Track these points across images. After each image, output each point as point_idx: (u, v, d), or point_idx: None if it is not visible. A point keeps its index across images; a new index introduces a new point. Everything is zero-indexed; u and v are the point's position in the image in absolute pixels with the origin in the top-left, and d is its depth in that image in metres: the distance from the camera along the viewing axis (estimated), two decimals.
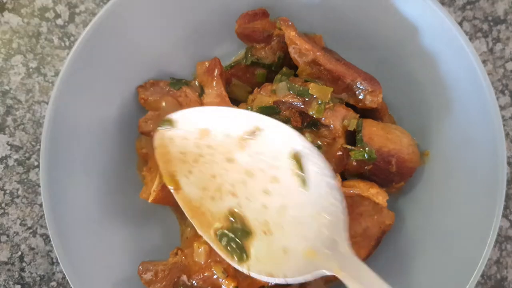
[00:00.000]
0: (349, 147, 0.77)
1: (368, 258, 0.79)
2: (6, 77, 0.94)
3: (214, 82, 0.83)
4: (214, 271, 0.74)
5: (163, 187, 0.78)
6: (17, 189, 0.92)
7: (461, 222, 0.77)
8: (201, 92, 0.84)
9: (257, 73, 0.84)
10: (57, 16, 0.95)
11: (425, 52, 0.80)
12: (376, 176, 0.79)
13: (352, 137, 0.79)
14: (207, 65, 0.84)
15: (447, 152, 0.80)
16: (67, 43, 0.94)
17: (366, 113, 0.81)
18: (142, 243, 0.84)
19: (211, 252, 0.74)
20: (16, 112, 0.93)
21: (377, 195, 0.77)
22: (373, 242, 0.78)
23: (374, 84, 0.77)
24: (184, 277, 0.76)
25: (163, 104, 0.84)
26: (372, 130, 0.77)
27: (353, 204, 0.78)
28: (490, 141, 0.75)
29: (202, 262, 0.75)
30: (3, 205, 0.92)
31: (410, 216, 0.83)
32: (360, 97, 0.78)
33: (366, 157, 0.76)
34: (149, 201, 0.79)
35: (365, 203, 0.77)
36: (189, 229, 0.81)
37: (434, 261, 0.78)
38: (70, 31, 0.94)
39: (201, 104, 0.83)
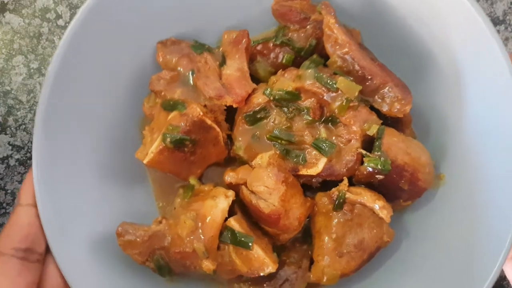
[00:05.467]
0: (365, 152, 0.73)
1: (357, 271, 0.75)
2: (7, 78, 0.94)
3: (238, 55, 0.79)
4: (195, 249, 0.70)
5: (162, 151, 0.74)
6: (19, 189, 0.90)
7: (463, 262, 0.73)
8: (222, 62, 0.80)
9: (284, 55, 0.80)
10: (58, 16, 0.95)
11: (463, 69, 0.75)
12: (385, 189, 0.74)
13: (368, 143, 0.75)
14: (234, 36, 0.80)
15: (464, 181, 0.75)
16: None
17: (388, 121, 0.77)
18: (128, 204, 0.80)
19: (196, 229, 0.71)
20: (18, 112, 0.94)
21: (382, 209, 0.73)
22: (366, 256, 0.74)
23: (405, 92, 0.73)
24: (163, 248, 0.72)
25: (180, 66, 0.79)
26: (392, 140, 0.73)
27: (353, 210, 0.74)
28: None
29: (185, 237, 0.71)
30: (4, 204, 0.93)
31: (408, 239, 0.80)
32: (387, 102, 0.73)
33: (380, 166, 0.71)
34: (144, 162, 0.75)
35: (367, 214, 0.73)
36: (178, 200, 0.78)
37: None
38: None
39: (220, 74, 0.79)
